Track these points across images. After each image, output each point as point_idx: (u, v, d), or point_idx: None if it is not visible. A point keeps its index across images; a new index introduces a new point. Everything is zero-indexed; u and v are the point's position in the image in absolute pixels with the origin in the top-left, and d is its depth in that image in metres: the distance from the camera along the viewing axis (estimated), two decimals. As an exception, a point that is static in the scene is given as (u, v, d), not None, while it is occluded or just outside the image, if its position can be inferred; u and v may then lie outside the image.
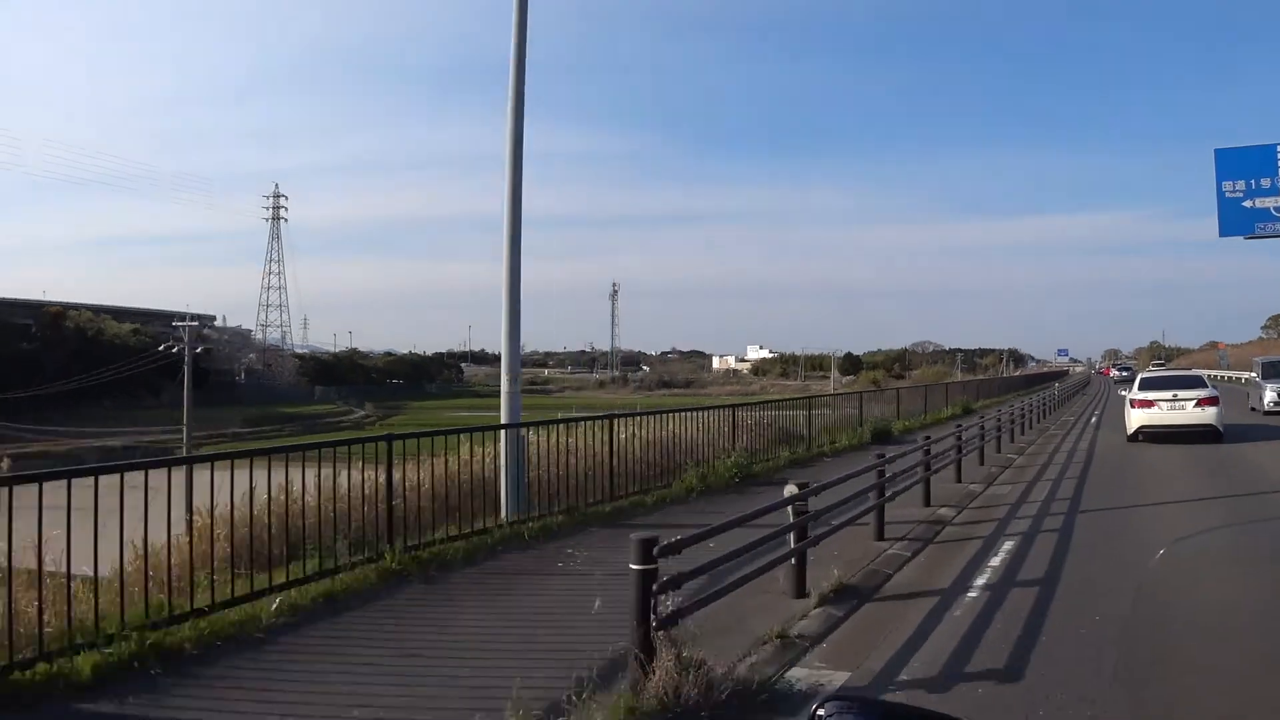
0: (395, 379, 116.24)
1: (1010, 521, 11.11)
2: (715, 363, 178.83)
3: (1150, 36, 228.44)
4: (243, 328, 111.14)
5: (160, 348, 50.66)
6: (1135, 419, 20.35)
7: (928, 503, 11.91)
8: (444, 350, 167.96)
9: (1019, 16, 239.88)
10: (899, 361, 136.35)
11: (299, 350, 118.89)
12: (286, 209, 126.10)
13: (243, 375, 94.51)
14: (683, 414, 14.88)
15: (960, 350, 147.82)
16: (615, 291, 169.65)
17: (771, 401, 21.54)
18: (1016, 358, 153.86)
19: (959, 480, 14.13)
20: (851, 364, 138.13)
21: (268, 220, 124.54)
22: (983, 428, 17.19)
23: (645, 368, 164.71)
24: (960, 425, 16.25)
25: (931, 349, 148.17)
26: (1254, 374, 31.86)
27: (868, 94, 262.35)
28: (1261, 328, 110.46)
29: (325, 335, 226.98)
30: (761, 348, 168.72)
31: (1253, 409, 28.24)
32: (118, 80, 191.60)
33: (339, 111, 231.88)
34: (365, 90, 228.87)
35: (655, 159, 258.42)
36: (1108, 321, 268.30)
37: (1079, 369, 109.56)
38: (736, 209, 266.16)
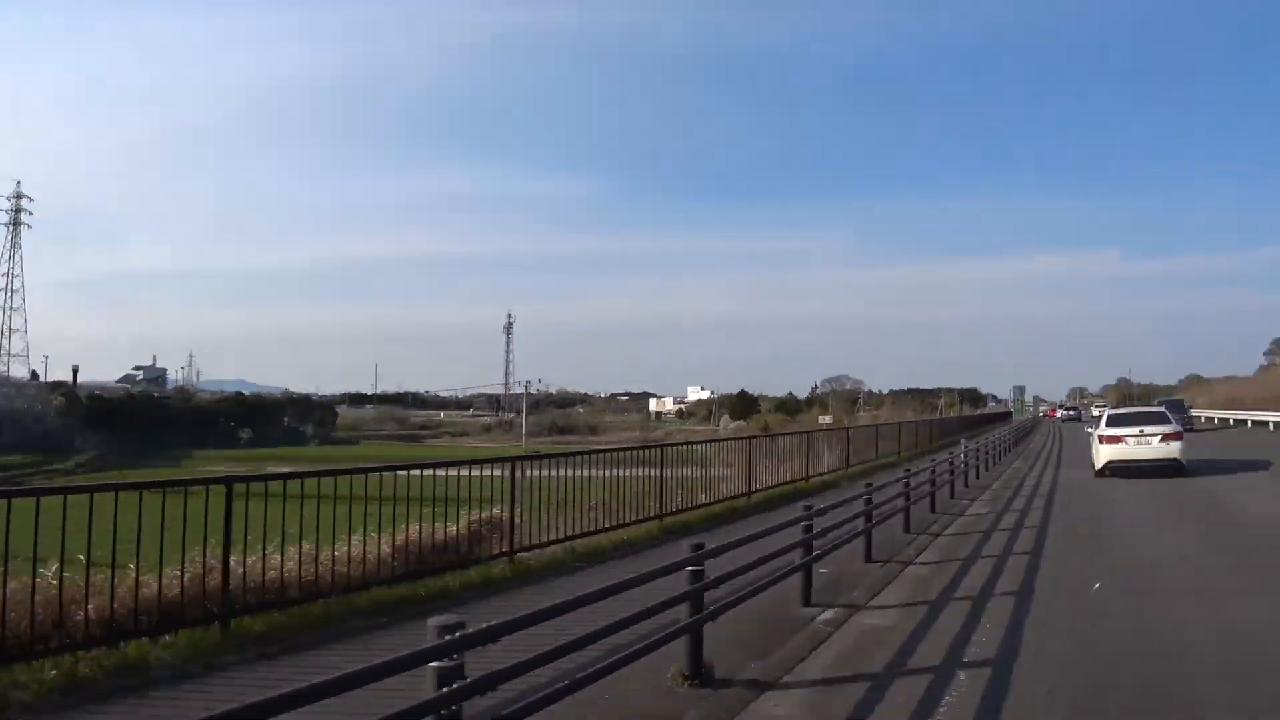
0: (231, 421, 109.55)
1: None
2: (653, 405, 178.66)
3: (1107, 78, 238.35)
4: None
5: None
6: (1104, 454, 22.68)
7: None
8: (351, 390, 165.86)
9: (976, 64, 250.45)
10: (815, 403, 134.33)
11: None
12: (31, 212, 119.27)
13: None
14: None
15: (914, 390, 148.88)
16: (510, 324, 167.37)
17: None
18: (975, 397, 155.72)
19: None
20: (745, 405, 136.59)
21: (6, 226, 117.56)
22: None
23: (580, 409, 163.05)
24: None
25: (849, 386, 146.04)
26: None
27: (826, 139, 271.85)
28: (1265, 353, 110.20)
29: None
30: (703, 389, 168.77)
31: None
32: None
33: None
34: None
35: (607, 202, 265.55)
36: (1070, 359, 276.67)
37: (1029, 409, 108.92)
38: (705, 249, 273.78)
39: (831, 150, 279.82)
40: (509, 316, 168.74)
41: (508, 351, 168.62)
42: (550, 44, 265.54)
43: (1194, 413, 52.47)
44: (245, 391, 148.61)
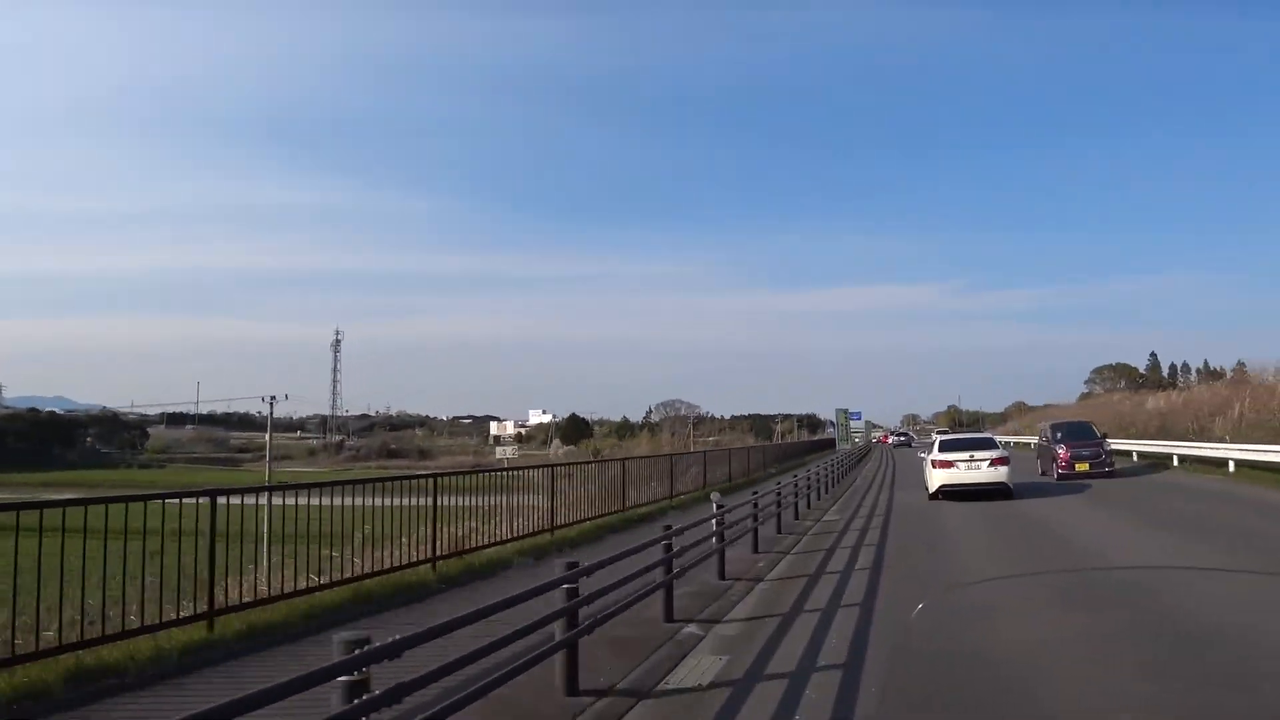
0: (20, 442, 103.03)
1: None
2: (494, 428, 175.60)
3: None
4: None
5: None
6: (937, 479, 23.68)
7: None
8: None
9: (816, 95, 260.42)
10: (646, 427, 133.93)
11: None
12: None
13: None
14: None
15: (755, 415, 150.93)
16: (338, 341, 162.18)
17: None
18: (814, 423, 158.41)
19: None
20: (578, 429, 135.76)
21: None
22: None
23: (419, 432, 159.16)
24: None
25: (684, 411, 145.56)
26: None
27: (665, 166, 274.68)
28: (1085, 381, 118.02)
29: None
30: (545, 412, 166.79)
31: None
32: None
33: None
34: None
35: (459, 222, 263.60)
36: (906, 387, 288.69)
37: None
38: (549, 272, 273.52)
39: (676, 176, 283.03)
40: (337, 333, 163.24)
41: (335, 370, 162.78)
42: (391, 58, 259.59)
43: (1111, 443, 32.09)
44: (61, 409, 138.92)
